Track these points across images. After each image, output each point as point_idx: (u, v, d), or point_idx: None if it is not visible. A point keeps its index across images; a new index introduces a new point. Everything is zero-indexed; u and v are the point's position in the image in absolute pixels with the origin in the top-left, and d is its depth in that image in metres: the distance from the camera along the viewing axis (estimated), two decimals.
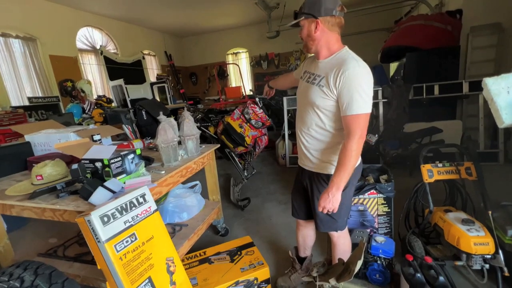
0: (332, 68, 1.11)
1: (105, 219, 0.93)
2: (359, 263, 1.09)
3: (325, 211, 1.14)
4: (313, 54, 1.30)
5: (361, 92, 1.04)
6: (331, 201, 1.11)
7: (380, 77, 4.35)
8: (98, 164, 1.31)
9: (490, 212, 1.43)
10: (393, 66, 4.58)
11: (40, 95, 4.71)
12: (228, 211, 2.67)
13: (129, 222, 1.00)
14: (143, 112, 3.77)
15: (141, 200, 1.07)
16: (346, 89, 1.05)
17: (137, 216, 1.03)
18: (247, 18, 7.46)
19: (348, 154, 1.07)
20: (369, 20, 6.52)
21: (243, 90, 6.69)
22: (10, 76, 4.33)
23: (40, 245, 1.73)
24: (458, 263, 1.44)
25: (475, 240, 1.35)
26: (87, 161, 1.34)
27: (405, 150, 3.34)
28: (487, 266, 1.38)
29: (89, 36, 5.83)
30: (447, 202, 1.77)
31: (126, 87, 5.58)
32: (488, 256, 1.36)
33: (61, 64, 5.02)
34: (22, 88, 4.50)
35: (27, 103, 4.32)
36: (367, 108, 1.06)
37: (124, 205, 1.00)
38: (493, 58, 3.48)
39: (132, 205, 1.03)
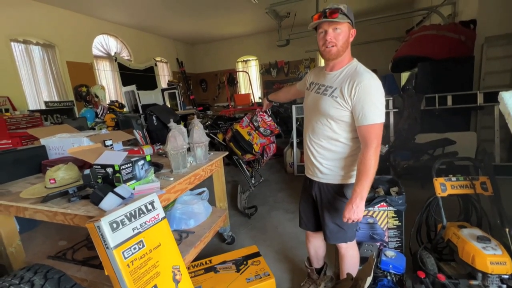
0: (345, 79, 1.14)
1: (114, 225, 0.94)
2: (369, 279, 1.06)
3: (350, 221, 1.15)
4: (318, 66, 1.32)
5: (376, 102, 1.07)
6: (355, 211, 1.13)
7: (391, 86, 4.30)
8: (109, 170, 1.33)
9: (507, 230, 1.37)
10: (404, 76, 4.53)
11: (56, 99, 4.87)
12: (235, 218, 2.65)
13: (137, 229, 1.01)
14: (154, 118, 3.83)
15: (149, 207, 1.08)
16: (362, 100, 1.08)
17: (145, 223, 1.04)
18: (257, 26, 7.57)
19: (368, 163, 1.09)
20: (380, 29, 6.50)
21: (252, 97, 6.74)
22: (29, 80, 4.51)
23: (50, 247, 1.75)
24: (473, 282, 1.38)
25: (492, 259, 1.29)
26: (99, 166, 1.36)
27: (417, 161, 3.27)
28: (504, 287, 1.32)
29: (104, 43, 6.03)
30: (461, 218, 1.70)
31: (138, 93, 5.71)
32: (506, 277, 1.30)
33: (77, 70, 5.20)
34: (40, 93, 4.67)
35: (43, 107, 4.47)
36: (382, 118, 1.09)
37: (133, 212, 1.01)
38: (509, 69, 3.39)
39: (140, 212, 1.04)
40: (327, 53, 1.15)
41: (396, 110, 3.45)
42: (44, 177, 1.48)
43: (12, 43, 4.23)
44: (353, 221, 1.15)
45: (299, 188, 3.45)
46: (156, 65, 6.94)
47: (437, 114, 3.39)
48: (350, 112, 1.13)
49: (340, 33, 1.11)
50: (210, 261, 1.68)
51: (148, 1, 5.02)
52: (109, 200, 1.12)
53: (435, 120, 3.43)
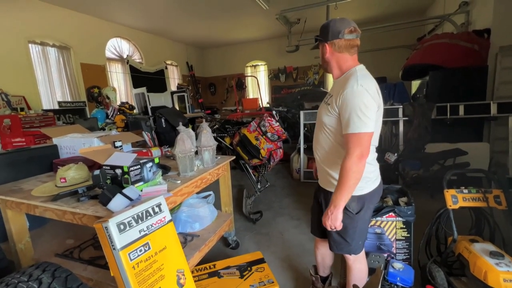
0: (339, 87, 1.16)
1: (122, 226, 0.95)
2: None
3: (329, 228, 1.15)
4: None
5: (358, 112, 1.05)
6: (330, 218, 1.12)
7: (401, 94, 4.24)
8: (118, 171, 1.35)
9: None
10: (415, 84, 4.47)
11: (69, 100, 5.00)
12: (240, 223, 2.64)
13: (144, 231, 1.01)
14: (163, 120, 3.89)
15: (156, 209, 1.08)
16: (344, 108, 1.08)
17: (152, 226, 1.05)
18: (267, 32, 7.63)
19: (345, 173, 1.06)
20: (391, 36, 6.45)
21: (260, 102, 6.75)
22: (44, 81, 4.65)
23: (58, 245, 1.78)
24: None
25: (505, 276, 1.24)
26: (108, 167, 1.39)
27: (426, 171, 3.20)
28: None
29: (117, 46, 6.18)
30: (473, 231, 1.65)
31: (148, 95, 5.81)
32: None
33: (90, 71, 5.33)
34: (54, 93, 4.80)
35: (57, 107, 4.59)
36: (366, 128, 1.05)
37: (140, 214, 1.02)
38: None
39: (147, 214, 1.04)
40: (323, 70, 1.28)
41: (406, 118, 3.40)
42: (55, 176, 1.51)
43: (30, 45, 4.38)
44: (330, 227, 1.14)
45: (305, 194, 3.43)
46: (166, 68, 7.06)
47: (449, 124, 3.32)
48: (338, 119, 1.14)
49: (319, 54, 1.24)
50: (214, 266, 1.67)
51: (162, 6, 5.13)
52: (117, 201, 1.13)
53: (446, 130, 3.36)
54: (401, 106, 3.43)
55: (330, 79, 8.18)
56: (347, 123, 1.07)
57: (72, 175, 1.49)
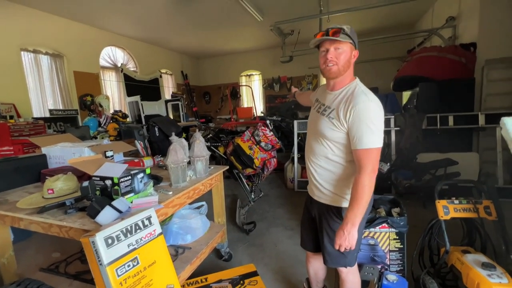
0: (342, 100, 1.13)
1: (109, 241, 0.92)
2: None
3: (342, 249, 1.11)
4: (325, 84, 1.33)
5: (371, 127, 1.04)
6: (347, 238, 1.08)
7: (392, 105, 4.33)
8: (108, 182, 1.33)
9: None
10: (406, 95, 4.57)
11: (61, 107, 4.93)
12: (233, 234, 2.60)
13: (133, 245, 0.98)
14: (156, 129, 3.86)
15: (146, 222, 1.06)
16: (356, 123, 1.06)
17: (141, 239, 1.02)
18: (262, 42, 7.75)
19: (360, 189, 1.06)
20: (382, 48, 6.63)
21: (254, 111, 6.79)
22: (35, 88, 4.58)
23: (43, 259, 1.72)
24: None
25: None
26: (98, 178, 1.36)
27: (419, 180, 3.23)
28: None
29: (112, 54, 6.17)
30: (464, 242, 1.66)
31: (141, 104, 5.78)
32: None
33: (83, 79, 5.29)
34: (45, 101, 4.73)
35: (48, 114, 4.52)
36: (378, 143, 1.06)
37: (129, 227, 0.99)
38: (510, 91, 3.41)
39: (137, 227, 1.02)
40: (327, 71, 1.15)
41: (398, 128, 3.46)
42: (43, 187, 1.47)
43: (22, 52, 4.34)
44: (345, 248, 1.11)
45: (299, 204, 3.41)
46: (161, 76, 7.06)
47: (439, 134, 3.39)
48: (346, 134, 1.11)
49: (342, 53, 1.12)
50: (206, 279, 1.63)
51: (157, 17, 5.18)
52: (105, 214, 1.10)
53: (437, 140, 3.42)
54: (393, 116, 3.49)
55: None
56: (359, 138, 1.05)
57: (60, 186, 1.45)
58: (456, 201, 1.54)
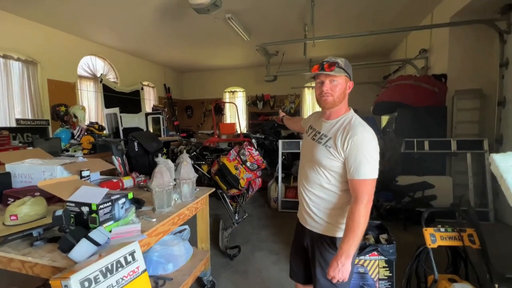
0: (339, 129, 1.14)
1: (86, 284, 0.80)
2: None
3: (335, 281, 1.07)
4: (318, 111, 1.34)
5: (368, 158, 1.06)
6: (340, 270, 1.05)
7: (372, 128, 4.52)
8: (85, 208, 1.19)
9: (497, 286, 1.36)
10: (385, 119, 4.80)
11: (30, 117, 4.57)
12: (216, 259, 2.46)
13: (113, 287, 0.87)
14: (135, 143, 3.67)
15: (129, 258, 0.95)
16: (354, 153, 1.07)
17: (122, 279, 0.90)
18: (247, 60, 7.88)
19: (356, 220, 1.05)
20: (361, 73, 6.99)
21: (237, 127, 6.75)
22: (1, 95, 4.22)
23: None
24: None
25: None
26: (73, 204, 1.22)
27: (399, 203, 3.33)
28: None
29: (91, 64, 5.93)
30: (449, 270, 1.68)
31: (120, 116, 5.52)
32: None
33: (58, 88, 4.99)
34: (12, 109, 4.37)
35: (14, 124, 4.15)
36: (374, 173, 1.07)
37: (109, 266, 0.87)
38: (477, 120, 3.71)
39: (119, 265, 0.90)
40: (323, 102, 1.18)
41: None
42: (4, 212, 1.29)
43: None
44: (337, 280, 1.07)
45: (283, 226, 3.34)
46: (142, 89, 6.86)
47: (416, 158, 3.56)
48: (343, 163, 1.12)
49: (337, 85, 1.15)
50: None
51: (144, 28, 5.10)
52: (81, 248, 0.97)
53: (415, 163, 3.58)
54: None
55: (306, 108, 8.52)
56: (357, 168, 1.06)
57: (26, 211, 1.28)
58: (442, 229, 1.57)
